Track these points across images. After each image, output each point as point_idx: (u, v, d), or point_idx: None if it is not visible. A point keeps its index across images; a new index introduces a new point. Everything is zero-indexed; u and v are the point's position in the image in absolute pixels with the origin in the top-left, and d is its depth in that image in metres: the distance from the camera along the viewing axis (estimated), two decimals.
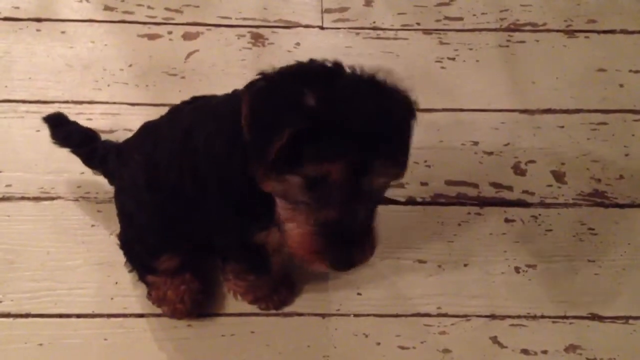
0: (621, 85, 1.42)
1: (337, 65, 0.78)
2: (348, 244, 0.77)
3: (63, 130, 1.14)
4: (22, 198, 1.22)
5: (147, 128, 1.05)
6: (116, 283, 1.13)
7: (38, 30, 1.46)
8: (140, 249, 1.08)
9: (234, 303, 1.13)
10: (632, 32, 1.51)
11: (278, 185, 0.76)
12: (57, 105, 1.33)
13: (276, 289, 1.12)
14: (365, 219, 0.78)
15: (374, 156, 0.72)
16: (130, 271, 1.11)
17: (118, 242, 1.09)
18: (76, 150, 1.15)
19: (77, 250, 1.17)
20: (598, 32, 1.52)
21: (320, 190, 0.74)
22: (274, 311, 1.13)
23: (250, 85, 0.76)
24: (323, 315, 1.12)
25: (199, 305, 1.10)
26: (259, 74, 0.77)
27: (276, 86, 0.75)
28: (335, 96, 0.73)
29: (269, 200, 0.83)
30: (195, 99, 1.03)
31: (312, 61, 0.79)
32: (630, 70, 1.44)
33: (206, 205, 0.94)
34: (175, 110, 1.03)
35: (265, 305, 1.12)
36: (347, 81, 0.76)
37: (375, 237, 0.81)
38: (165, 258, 1.06)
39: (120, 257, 1.10)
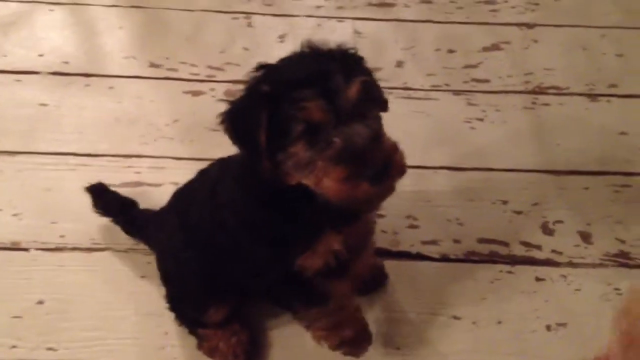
0: None
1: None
2: (366, 154, 0.82)
3: (103, 200, 1.24)
4: (75, 249, 1.28)
5: (180, 192, 1.14)
6: (166, 333, 1.18)
7: (87, 85, 1.54)
8: (187, 306, 1.13)
9: (279, 353, 1.18)
10: None
11: (292, 162, 0.85)
12: (106, 158, 1.41)
13: (361, 331, 1.14)
14: (371, 131, 0.84)
15: (332, 79, 0.82)
16: (179, 325, 1.16)
17: (166, 303, 1.14)
18: (115, 219, 1.25)
19: (128, 301, 1.22)
20: (619, 96, 1.60)
21: (317, 137, 0.82)
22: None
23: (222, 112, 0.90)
24: None
25: (250, 357, 1.15)
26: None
27: (238, 99, 0.89)
28: (284, 69, 0.87)
29: (296, 225, 0.93)
30: (220, 159, 1.10)
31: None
32: None
33: (241, 252, 1.00)
34: (203, 171, 1.12)
35: (348, 350, 1.14)
36: (291, 57, 0.89)
37: (392, 142, 0.87)
38: (212, 312, 1.11)
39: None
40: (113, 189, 1.32)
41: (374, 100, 0.88)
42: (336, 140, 0.82)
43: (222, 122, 0.89)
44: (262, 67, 0.89)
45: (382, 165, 0.83)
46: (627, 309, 0.94)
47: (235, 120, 0.88)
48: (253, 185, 0.93)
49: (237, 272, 1.04)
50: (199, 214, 1.04)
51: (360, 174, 0.82)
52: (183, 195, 1.13)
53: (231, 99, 0.91)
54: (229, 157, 1.04)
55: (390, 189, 0.86)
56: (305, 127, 0.82)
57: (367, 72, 0.90)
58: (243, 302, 1.17)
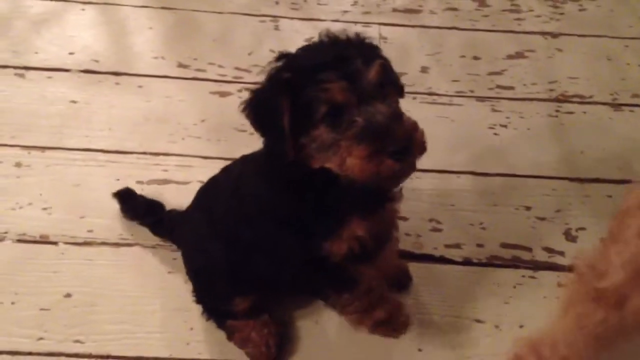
0: None
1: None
2: (388, 131, 0.85)
3: (130, 204, 1.29)
4: (103, 243, 1.30)
5: (203, 188, 1.18)
6: (191, 329, 1.19)
7: (117, 83, 1.57)
8: (213, 297, 1.15)
9: (308, 344, 1.18)
10: None
11: (314, 145, 0.88)
12: (134, 155, 1.43)
13: (395, 311, 1.18)
14: (392, 109, 0.87)
15: (352, 63, 0.85)
16: (207, 320, 1.17)
17: (194, 298, 1.16)
18: (143, 222, 1.28)
19: (155, 296, 1.23)
20: None
21: (340, 117, 0.85)
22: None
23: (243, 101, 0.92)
24: None
25: (281, 349, 1.16)
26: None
27: (260, 88, 0.92)
28: (304, 56, 0.90)
29: (320, 211, 0.96)
30: (242, 157, 1.12)
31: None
32: None
33: (266, 241, 1.03)
34: (226, 168, 1.15)
35: (384, 331, 1.18)
36: (310, 46, 0.93)
37: (413, 121, 0.89)
38: (238, 301, 1.13)
39: (195, 304, 1.17)
40: (141, 186, 1.35)
41: (392, 83, 0.91)
42: (358, 120, 0.85)
43: (245, 110, 0.91)
44: (282, 56, 0.92)
45: (404, 141, 0.86)
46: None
47: (258, 107, 0.91)
48: (276, 173, 0.96)
49: (263, 261, 1.06)
50: (223, 207, 1.07)
51: (383, 150, 0.85)
52: (207, 191, 1.16)
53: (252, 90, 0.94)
54: (251, 154, 1.08)
55: (412, 166, 0.89)
56: (328, 108, 0.85)
57: (384, 58, 0.92)
58: (268, 292, 1.18)
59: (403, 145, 0.85)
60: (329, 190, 0.94)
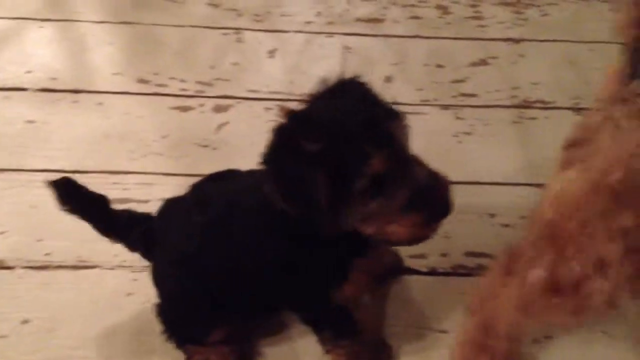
0: None
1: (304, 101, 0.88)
2: (434, 196, 0.85)
3: (72, 196, 1.07)
4: (60, 267, 1.27)
5: (174, 209, 1.06)
6: (152, 352, 1.17)
7: (75, 101, 1.54)
8: (186, 330, 1.11)
9: None
10: None
11: (353, 216, 0.84)
12: (94, 175, 1.40)
13: (378, 356, 1.16)
14: (431, 174, 0.86)
15: (379, 124, 0.81)
16: (167, 339, 1.14)
17: (157, 314, 1.11)
18: (89, 220, 1.08)
19: (114, 319, 1.21)
20: None
21: (382, 188, 0.82)
22: None
23: (265, 179, 0.84)
24: None
25: None
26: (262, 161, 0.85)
27: (287, 166, 0.82)
28: (319, 119, 0.82)
29: (331, 262, 0.93)
30: (215, 176, 1.08)
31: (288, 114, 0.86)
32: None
33: (266, 288, 1.00)
34: (201, 194, 1.05)
35: None
36: (317, 102, 0.86)
37: (440, 173, 0.89)
38: (215, 333, 1.10)
39: (156, 326, 1.13)
40: None
41: (403, 124, 0.87)
42: (404, 190, 0.83)
43: (275, 194, 0.83)
44: (293, 116, 0.84)
45: (448, 206, 0.87)
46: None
47: (290, 186, 0.83)
48: (287, 229, 0.91)
49: (258, 301, 1.05)
50: (204, 248, 0.99)
51: (433, 219, 0.86)
52: (175, 215, 1.05)
53: (268, 159, 0.84)
54: (231, 186, 1.03)
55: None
56: (370, 181, 0.80)
57: (380, 99, 0.89)
58: (247, 321, 1.17)
59: (448, 210, 0.87)
60: (336, 241, 0.90)
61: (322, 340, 1.13)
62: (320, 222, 0.83)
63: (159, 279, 1.09)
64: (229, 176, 1.07)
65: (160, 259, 1.08)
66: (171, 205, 1.08)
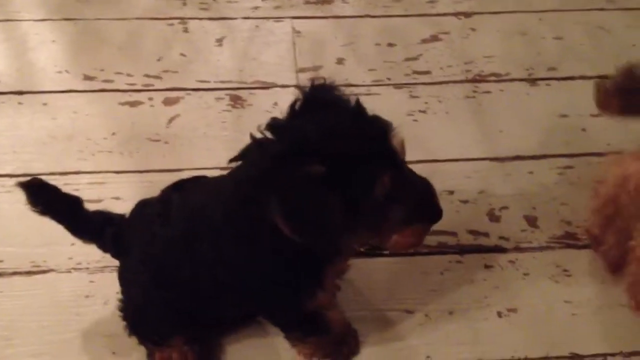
0: (583, 130, 1.51)
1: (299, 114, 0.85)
2: (433, 203, 0.90)
3: (44, 197, 1.04)
4: (14, 273, 1.24)
5: (142, 216, 1.04)
6: (113, 353, 1.15)
7: (20, 103, 1.50)
8: (150, 332, 1.09)
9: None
10: (590, 78, 1.60)
11: (364, 235, 0.87)
12: (43, 177, 1.33)
13: (344, 341, 1.15)
14: (425, 182, 0.91)
15: (382, 139, 0.82)
16: (129, 335, 1.10)
17: (120, 312, 1.09)
18: (62, 221, 1.06)
19: (73, 322, 1.18)
20: (558, 79, 1.61)
21: (386, 204, 0.83)
22: None
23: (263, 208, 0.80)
24: None
25: None
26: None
27: (295, 194, 0.78)
28: (321, 138, 0.79)
29: (305, 271, 0.93)
30: (180, 184, 1.05)
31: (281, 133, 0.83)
32: (591, 115, 1.52)
33: (236, 298, 1.00)
34: (165, 202, 1.02)
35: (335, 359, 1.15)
36: (326, 119, 0.82)
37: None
38: (176, 339, 1.09)
39: (116, 326, 1.11)
40: None
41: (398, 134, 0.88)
42: (406, 203, 0.85)
43: (285, 222, 0.78)
44: (277, 130, 0.82)
45: (440, 212, 0.91)
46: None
47: (303, 217, 0.79)
48: (263, 245, 0.88)
49: (228, 313, 1.07)
50: (173, 260, 0.97)
51: (432, 221, 0.91)
52: (145, 224, 1.02)
53: (266, 187, 0.79)
54: (197, 194, 1.00)
55: None
56: (378, 200, 0.81)
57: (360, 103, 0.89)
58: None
59: (441, 214, 0.91)
60: (309, 251, 0.88)
61: (290, 339, 1.13)
62: (328, 246, 0.85)
63: (125, 282, 1.08)
64: (192, 186, 1.04)
65: (127, 262, 1.06)
66: (140, 209, 1.06)
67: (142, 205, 1.05)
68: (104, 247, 1.09)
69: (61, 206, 1.05)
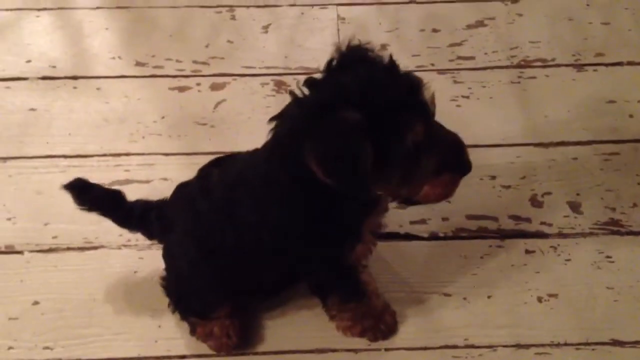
0: (631, 116, 1.48)
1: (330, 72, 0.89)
2: (461, 153, 0.92)
3: (88, 196, 1.11)
4: (68, 249, 1.30)
5: (183, 195, 1.09)
6: (159, 327, 1.20)
7: (75, 87, 1.56)
8: (194, 305, 1.13)
9: (271, 342, 1.19)
10: (638, 64, 1.58)
11: (390, 182, 0.88)
12: (95, 158, 1.42)
13: (381, 318, 1.18)
14: (453, 134, 0.92)
15: (415, 92, 0.85)
16: (173, 312, 1.16)
17: (163, 288, 1.14)
18: (104, 213, 1.13)
19: (122, 297, 1.24)
20: (606, 64, 1.58)
21: (418, 154, 0.85)
22: (346, 348, 1.18)
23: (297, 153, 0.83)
24: (356, 351, 1.17)
25: (244, 340, 1.17)
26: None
27: (328, 137, 0.81)
28: (359, 89, 0.82)
29: (345, 224, 0.96)
30: (218, 161, 1.09)
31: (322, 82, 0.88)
32: (639, 101, 1.51)
33: (276, 262, 1.04)
34: (205, 179, 1.06)
35: (373, 336, 1.17)
36: (347, 69, 0.86)
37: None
38: (221, 309, 1.13)
39: (162, 302, 1.16)
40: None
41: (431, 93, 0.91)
42: (436, 153, 0.87)
43: (318, 165, 0.81)
44: (322, 84, 0.86)
45: (470, 162, 0.92)
46: None
47: (336, 158, 0.82)
48: (305, 200, 0.92)
49: (271, 277, 1.10)
50: (217, 230, 1.01)
51: (462, 173, 0.92)
52: (187, 202, 1.06)
53: (302, 132, 0.82)
54: (237, 165, 1.03)
55: None
56: (410, 148, 0.84)
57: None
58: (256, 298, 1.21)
59: (470, 167, 0.92)
60: (347, 203, 0.94)
61: (329, 306, 1.15)
62: (360, 191, 0.87)
63: (169, 258, 1.12)
64: (230, 160, 1.08)
65: (172, 239, 1.10)
66: (180, 191, 1.11)
67: (182, 186, 1.10)
68: (149, 234, 1.15)
69: (104, 201, 1.12)
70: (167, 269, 1.13)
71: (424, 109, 0.85)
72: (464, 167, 0.92)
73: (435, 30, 1.68)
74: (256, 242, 0.99)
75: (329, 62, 0.89)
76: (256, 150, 1.00)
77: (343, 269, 1.06)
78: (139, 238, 1.29)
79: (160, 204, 1.13)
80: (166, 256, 1.13)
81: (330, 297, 1.13)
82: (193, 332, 1.16)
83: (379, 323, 1.17)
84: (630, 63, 1.58)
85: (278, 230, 0.97)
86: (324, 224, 0.95)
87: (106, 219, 1.14)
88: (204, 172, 1.09)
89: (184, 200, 1.07)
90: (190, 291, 1.11)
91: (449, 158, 0.89)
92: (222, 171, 1.05)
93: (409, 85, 0.85)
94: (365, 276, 1.16)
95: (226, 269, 1.05)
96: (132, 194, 1.28)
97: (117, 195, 1.13)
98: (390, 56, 0.89)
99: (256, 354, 1.17)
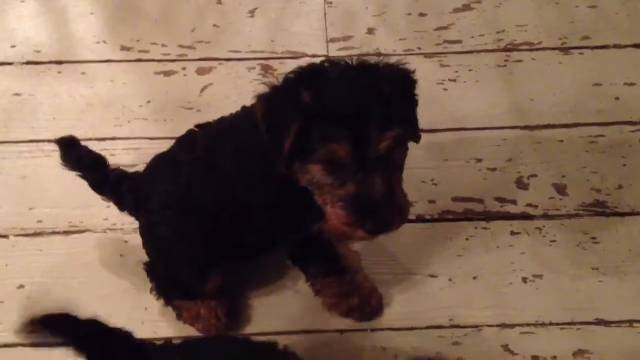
0: (617, 98, 1.49)
1: (331, 62, 0.96)
2: (373, 211, 0.88)
3: (73, 153, 1.13)
4: (53, 232, 1.30)
5: (162, 159, 1.11)
6: (145, 309, 1.20)
7: (59, 72, 1.55)
8: (180, 280, 1.14)
9: (258, 323, 1.19)
10: (625, 47, 1.58)
11: (305, 176, 0.90)
12: (81, 142, 1.41)
13: (367, 300, 1.19)
14: (387, 185, 0.88)
15: (367, 126, 0.85)
16: (158, 299, 1.17)
17: (147, 273, 1.15)
18: (85, 175, 1.14)
19: (107, 279, 1.24)
20: (592, 47, 1.59)
21: (337, 170, 0.87)
22: (324, 328, 1.19)
23: (260, 95, 0.92)
24: (342, 331, 1.18)
25: (234, 319, 1.17)
26: (268, 84, 0.93)
27: (280, 92, 0.91)
28: (328, 88, 0.88)
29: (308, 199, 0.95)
30: (200, 126, 1.11)
31: (310, 64, 0.95)
32: (625, 83, 1.51)
33: (253, 217, 1.04)
34: (187, 139, 1.10)
35: (359, 316, 1.18)
36: (338, 72, 0.91)
37: (403, 199, 0.92)
38: (212, 278, 1.13)
39: (148, 284, 1.17)
40: None
41: (403, 143, 0.92)
42: (350, 186, 0.87)
43: (258, 108, 0.91)
44: (308, 70, 0.92)
45: (384, 224, 0.90)
46: None
47: (269, 117, 0.90)
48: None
49: (250, 236, 1.08)
50: (198, 184, 1.04)
51: (361, 226, 0.89)
52: (168, 163, 1.09)
53: (271, 82, 0.93)
54: (222, 124, 1.07)
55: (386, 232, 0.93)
56: (327, 158, 0.86)
57: (413, 101, 0.98)
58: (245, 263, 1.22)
59: (382, 228, 0.90)
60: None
61: (311, 278, 1.15)
62: (275, 159, 0.89)
63: (148, 232, 1.12)
64: (213, 122, 1.11)
65: (152, 211, 1.09)
66: (157, 159, 1.12)
67: (159, 156, 1.12)
68: (120, 203, 1.14)
69: (86, 161, 1.12)
70: (147, 245, 1.13)
71: (366, 144, 0.85)
72: (370, 223, 0.89)
73: (422, 14, 1.67)
74: (234, 197, 1.02)
75: (330, 59, 0.98)
76: (244, 108, 1.05)
77: (318, 241, 1.07)
78: (124, 222, 1.30)
79: (134, 176, 1.13)
80: (145, 232, 1.13)
81: (310, 269, 1.14)
82: (179, 316, 1.16)
83: (364, 305, 1.18)
84: (616, 46, 1.58)
85: (251, 184, 1.00)
86: (291, 195, 0.96)
87: (93, 204, 1.15)
88: (188, 132, 1.11)
89: (164, 160, 1.10)
90: (173, 263, 1.11)
91: (359, 202, 0.87)
92: (205, 127, 1.09)
93: (375, 117, 0.85)
94: (344, 250, 1.17)
95: (206, 227, 1.05)
96: None
97: (99, 159, 1.14)
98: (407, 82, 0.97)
99: (243, 334, 1.17)
